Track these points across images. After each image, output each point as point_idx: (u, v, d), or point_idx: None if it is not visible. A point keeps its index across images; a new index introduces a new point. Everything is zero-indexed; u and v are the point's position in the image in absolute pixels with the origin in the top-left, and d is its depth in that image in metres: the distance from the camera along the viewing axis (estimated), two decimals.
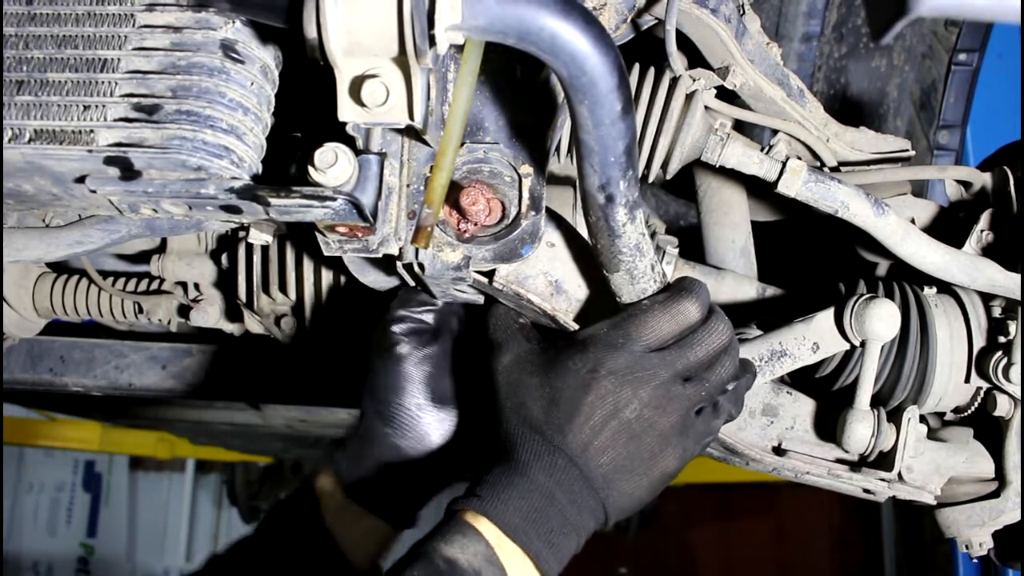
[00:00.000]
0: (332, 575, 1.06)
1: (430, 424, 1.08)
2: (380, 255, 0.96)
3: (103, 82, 0.83)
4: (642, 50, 1.12)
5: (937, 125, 1.84)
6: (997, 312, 1.13)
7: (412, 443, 1.08)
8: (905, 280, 1.17)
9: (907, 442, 1.07)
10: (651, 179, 1.18)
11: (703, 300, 0.96)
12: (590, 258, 1.00)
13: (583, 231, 0.98)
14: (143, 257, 1.53)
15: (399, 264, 0.98)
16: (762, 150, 1.13)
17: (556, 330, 1.04)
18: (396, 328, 1.09)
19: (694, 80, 1.12)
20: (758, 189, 1.27)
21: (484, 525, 0.87)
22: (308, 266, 1.32)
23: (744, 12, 1.11)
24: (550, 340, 1.01)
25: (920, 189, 1.51)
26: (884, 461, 1.09)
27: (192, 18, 0.85)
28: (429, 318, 1.10)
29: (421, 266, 0.97)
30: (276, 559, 1.07)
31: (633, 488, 0.93)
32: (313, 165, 0.85)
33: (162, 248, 1.46)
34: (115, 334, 1.67)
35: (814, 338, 1.10)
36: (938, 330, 1.11)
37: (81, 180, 0.85)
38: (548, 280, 1.02)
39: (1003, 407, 1.12)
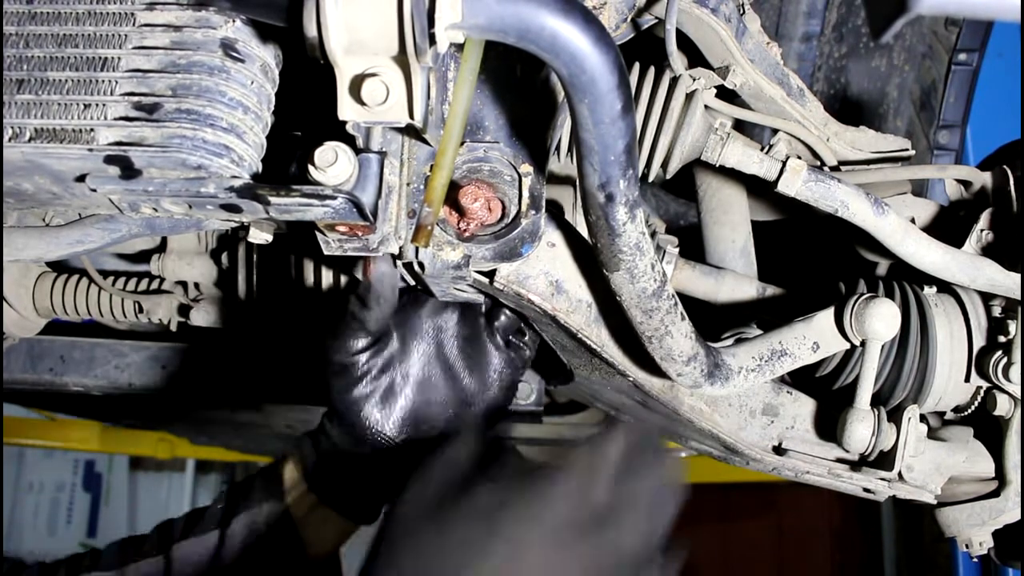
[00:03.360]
0: (289, 558, 1.08)
1: (391, 430, 1.08)
2: (380, 254, 0.96)
3: (103, 81, 0.83)
4: (642, 49, 1.12)
5: (937, 125, 1.85)
6: (997, 311, 1.13)
7: (376, 448, 1.08)
8: (905, 280, 1.17)
9: (907, 441, 1.07)
10: (651, 178, 1.18)
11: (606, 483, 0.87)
12: (591, 258, 1.00)
13: (583, 231, 0.97)
14: (143, 257, 1.53)
15: (399, 263, 0.98)
16: (762, 149, 1.13)
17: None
18: (352, 347, 1.06)
19: (694, 79, 1.12)
20: (758, 188, 1.27)
21: None
22: (308, 266, 1.31)
23: (744, 12, 1.11)
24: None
25: (920, 189, 1.51)
26: (884, 460, 1.09)
27: (192, 17, 0.85)
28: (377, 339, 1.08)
29: (421, 265, 0.97)
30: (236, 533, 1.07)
31: None
32: (313, 164, 0.85)
33: (162, 247, 1.46)
34: (115, 334, 1.67)
35: (814, 337, 1.09)
36: (938, 329, 1.11)
37: (81, 179, 0.85)
38: (549, 280, 1.02)
39: (1003, 406, 1.12)
